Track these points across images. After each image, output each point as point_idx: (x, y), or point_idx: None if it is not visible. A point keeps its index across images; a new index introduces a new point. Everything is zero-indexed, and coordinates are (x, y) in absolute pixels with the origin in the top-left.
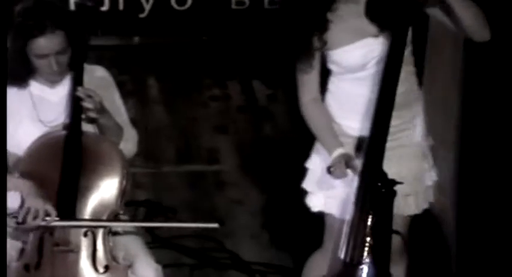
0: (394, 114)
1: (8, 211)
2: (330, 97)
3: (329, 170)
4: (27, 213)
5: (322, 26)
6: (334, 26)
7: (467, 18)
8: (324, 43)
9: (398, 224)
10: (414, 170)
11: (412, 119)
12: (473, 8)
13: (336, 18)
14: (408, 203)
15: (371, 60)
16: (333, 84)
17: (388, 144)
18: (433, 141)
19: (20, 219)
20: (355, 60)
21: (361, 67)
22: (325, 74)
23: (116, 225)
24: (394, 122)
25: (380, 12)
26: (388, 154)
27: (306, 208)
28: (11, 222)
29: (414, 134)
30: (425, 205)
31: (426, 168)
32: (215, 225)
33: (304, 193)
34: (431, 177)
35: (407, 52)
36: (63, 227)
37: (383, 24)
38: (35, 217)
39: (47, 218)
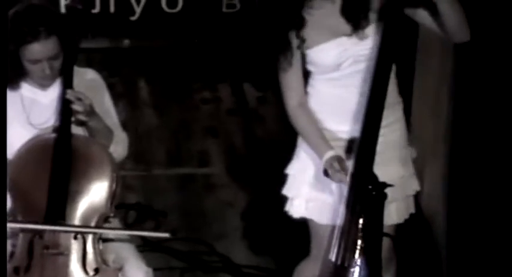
0: None
1: None
2: (310, 101)
3: (326, 173)
4: None
5: (299, 23)
6: (310, 24)
7: (452, 17)
8: (303, 40)
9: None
10: (392, 176)
11: (391, 123)
12: (457, 7)
13: (311, 16)
14: (389, 212)
15: (345, 60)
16: (311, 86)
17: None
18: (416, 154)
19: None
20: (329, 59)
21: (335, 67)
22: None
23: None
24: None
25: (355, 12)
26: None
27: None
28: None
29: (393, 139)
30: (407, 216)
31: (405, 176)
32: (166, 235)
33: (285, 199)
34: (411, 186)
35: None
36: (51, 231)
37: (357, 23)
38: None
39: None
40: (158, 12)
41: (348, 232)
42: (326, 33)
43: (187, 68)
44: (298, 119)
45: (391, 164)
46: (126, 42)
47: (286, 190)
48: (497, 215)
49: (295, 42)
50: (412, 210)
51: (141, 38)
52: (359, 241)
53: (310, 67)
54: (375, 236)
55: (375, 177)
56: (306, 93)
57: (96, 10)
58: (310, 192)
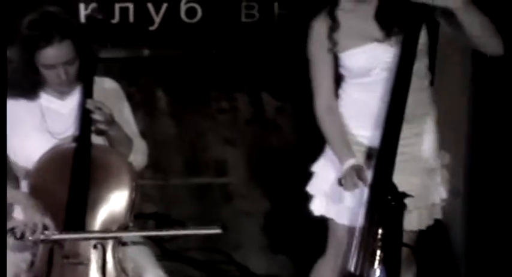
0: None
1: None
2: (340, 104)
3: (340, 182)
4: (24, 227)
5: (332, 25)
6: (343, 27)
7: (476, 29)
8: (335, 44)
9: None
10: (417, 186)
11: (419, 134)
12: (481, 19)
13: (344, 19)
14: (410, 219)
15: (376, 66)
16: (343, 90)
17: None
18: (448, 159)
19: (17, 235)
20: (359, 64)
21: (366, 72)
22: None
23: (124, 236)
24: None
25: (389, 17)
26: None
27: (311, 219)
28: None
29: (421, 150)
30: (430, 222)
31: (432, 185)
32: (218, 231)
33: (308, 197)
34: (439, 194)
35: (423, 65)
36: (71, 240)
37: (389, 30)
38: (33, 232)
39: (46, 232)
40: (177, 22)
41: (366, 242)
42: (358, 37)
43: (206, 77)
44: (325, 122)
45: (416, 174)
46: (145, 51)
47: (309, 188)
48: None
49: (327, 44)
50: (439, 216)
51: (159, 47)
52: (378, 252)
53: (342, 70)
54: (394, 246)
55: (394, 187)
56: (337, 96)
57: (116, 20)
58: (331, 192)
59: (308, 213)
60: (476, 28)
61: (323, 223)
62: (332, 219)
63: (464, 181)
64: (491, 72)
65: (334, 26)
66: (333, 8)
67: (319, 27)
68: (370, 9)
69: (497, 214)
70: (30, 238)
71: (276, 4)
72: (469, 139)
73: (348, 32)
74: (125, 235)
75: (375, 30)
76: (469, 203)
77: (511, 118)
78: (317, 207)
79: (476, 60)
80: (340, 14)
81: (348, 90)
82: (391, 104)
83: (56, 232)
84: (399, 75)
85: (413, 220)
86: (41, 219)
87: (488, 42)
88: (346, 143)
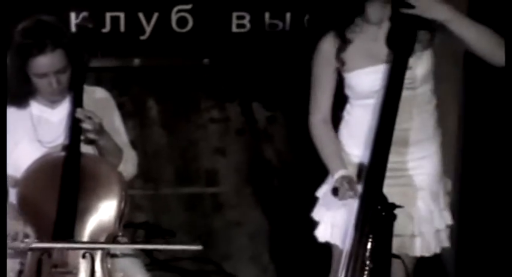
0: (399, 150)
1: None
2: (343, 126)
3: (335, 192)
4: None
5: (341, 44)
6: (352, 47)
7: (471, 41)
8: (343, 63)
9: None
10: (418, 211)
11: (423, 158)
12: (478, 30)
13: (355, 38)
14: (414, 244)
15: (381, 88)
16: (347, 112)
17: (393, 181)
18: (451, 186)
19: None
20: (365, 85)
21: (372, 94)
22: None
23: (112, 247)
24: (397, 159)
25: (400, 40)
26: (392, 190)
27: (305, 232)
28: None
29: (423, 175)
30: (437, 250)
31: (435, 211)
32: (198, 247)
33: (313, 224)
34: (443, 220)
35: (428, 89)
36: (61, 249)
37: (399, 52)
38: (14, 240)
39: (26, 240)
40: (168, 31)
41: (356, 253)
42: (366, 58)
43: (197, 87)
44: (319, 134)
45: (419, 200)
46: (136, 61)
47: (314, 214)
48: (506, 247)
49: (334, 63)
50: (446, 244)
51: (151, 57)
52: (367, 262)
53: (347, 91)
54: (384, 257)
55: (384, 197)
56: (341, 118)
57: (107, 29)
58: (334, 217)
59: (299, 224)
60: (472, 39)
61: (313, 234)
62: (335, 245)
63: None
64: (482, 82)
65: (343, 46)
66: (343, 28)
67: (327, 46)
68: (381, 31)
69: (487, 238)
70: (10, 245)
71: (267, 14)
72: (459, 157)
73: (356, 52)
74: (112, 247)
75: (384, 51)
76: (459, 229)
77: (501, 129)
78: (322, 234)
79: (467, 71)
80: (350, 35)
81: (352, 112)
82: (382, 118)
83: (36, 241)
84: (391, 87)
85: (418, 246)
86: (22, 228)
87: (488, 53)
88: (338, 155)
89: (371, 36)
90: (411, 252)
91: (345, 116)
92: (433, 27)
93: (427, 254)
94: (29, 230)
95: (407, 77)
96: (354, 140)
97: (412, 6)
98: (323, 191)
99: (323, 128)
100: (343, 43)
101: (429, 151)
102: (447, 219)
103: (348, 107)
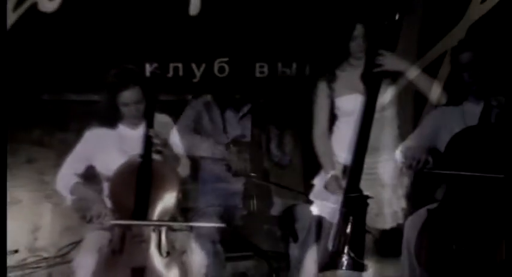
0: (370, 153)
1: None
2: (333, 136)
3: (325, 186)
4: (93, 214)
5: (332, 78)
6: (339, 79)
7: (422, 86)
8: (333, 90)
9: (373, 232)
10: (382, 199)
11: (384, 161)
12: (426, 78)
13: (341, 74)
14: (377, 220)
15: (359, 109)
16: (336, 127)
17: (366, 176)
18: (407, 182)
19: (87, 219)
20: (349, 107)
21: (352, 113)
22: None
23: (171, 224)
24: (368, 159)
25: (370, 79)
26: (365, 184)
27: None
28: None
29: (385, 173)
30: (394, 224)
31: (393, 197)
32: (222, 225)
33: (309, 202)
34: (399, 205)
35: (391, 113)
36: (138, 225)
37: (370, 87)
38: (98, 217)
39: (106, 218)
40: (212, 76)
41: (341, 229)
42: (349, 88)
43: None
44: (319, 144)
45: (382, 190)
46: (189, 96)
47: (311, 196)
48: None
49: (326, 91)
50: (400, 221)
51: (200, 94)
52: (349, 235)
53: (336, 111)
54: (360, 232)
55: (360, 191)
56: (330, 130)
57: (170, 74)
58: (324, 198)
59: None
60: (422, 84)
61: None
62: (324, 218)
63: None
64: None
65: (332, 78)
66: (333, 68)
67: (322, 80)
68: (358, 71)
69: None
70: (96, 221)
71: (279, 64)
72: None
73: (342, 84)
74: (172, 224)
75: (360, 85)
76: None
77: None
78: (315, 209)
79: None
80: (337, 72)
81: (340, 126)
82: (360, 131)
83: (113, 218)
84: (366, 110)
85: (380, 221)
86: (104, 210)
87: (427, 92)
88: (331, 159)
89: (352, 74)
90: (375, 225)
91: (334, 129)
92: (395, 73)
93: (386, 227)
94: (108, 211)
95: (378, 103)
96: (341, 146)
97: (380, 65)
98: (317, 180)
99: (322, 139)
100: (333, 77)
101: (392, 156)
102: (403, 203)
103: (336, 122)
